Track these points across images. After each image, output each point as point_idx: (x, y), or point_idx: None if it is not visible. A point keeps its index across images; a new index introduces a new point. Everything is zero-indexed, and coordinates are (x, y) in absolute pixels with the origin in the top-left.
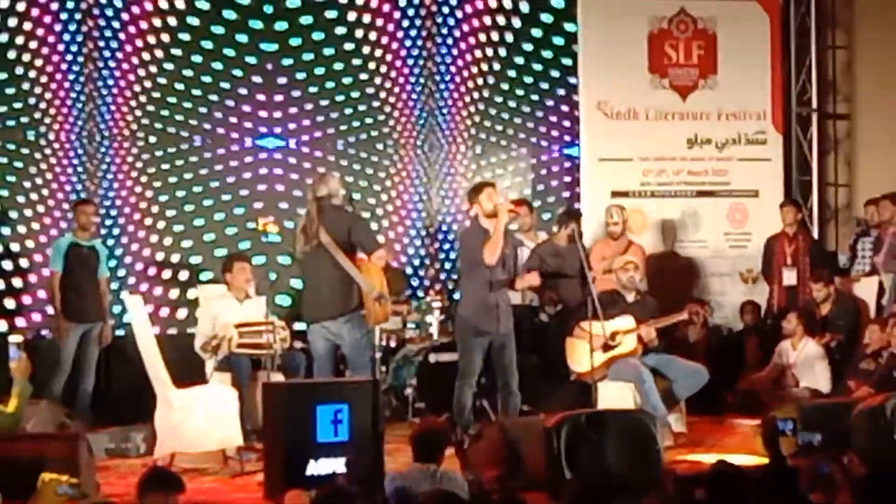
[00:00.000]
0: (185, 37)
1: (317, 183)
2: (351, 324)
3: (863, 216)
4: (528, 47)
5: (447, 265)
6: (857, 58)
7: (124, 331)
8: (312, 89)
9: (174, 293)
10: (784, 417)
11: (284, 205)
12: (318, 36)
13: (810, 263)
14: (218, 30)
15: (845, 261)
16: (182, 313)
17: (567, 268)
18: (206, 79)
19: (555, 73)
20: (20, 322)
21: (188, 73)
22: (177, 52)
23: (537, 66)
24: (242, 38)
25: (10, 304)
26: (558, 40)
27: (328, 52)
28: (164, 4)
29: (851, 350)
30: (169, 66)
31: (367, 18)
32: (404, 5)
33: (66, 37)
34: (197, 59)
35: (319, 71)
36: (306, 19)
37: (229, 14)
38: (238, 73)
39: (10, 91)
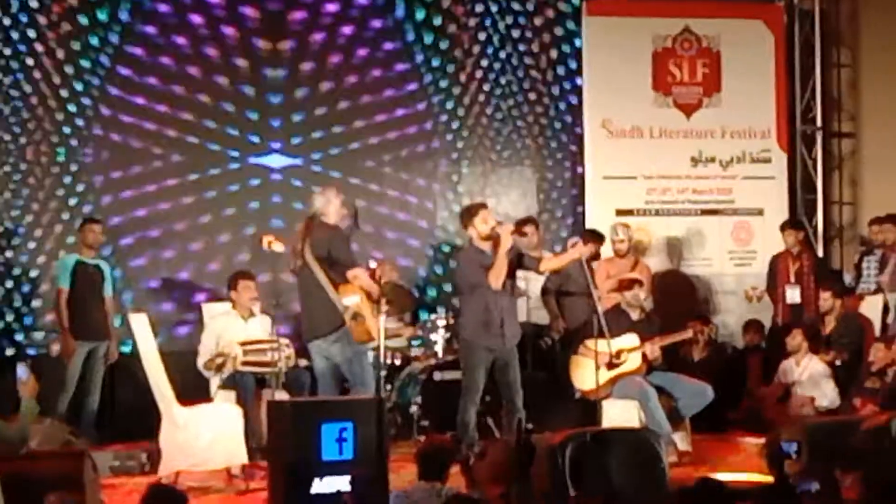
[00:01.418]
0: (186, 51)
1: (312, 199)
2: (341, 342)
3: (867, 235)
4: (532, 65)
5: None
6: (862, 76)
7: (129, 349)
8: (320, 110)
9: (178, 312)
10: (789, 439)
11: (279, 223)
12: (325, 52)
13: (815, 282)
14: (211, 52)
15: (850, 279)
16: (184, 331)
17: (571, 285)
18: (204, 98)
19: (559, 92)
20: (24, 340)
21: (187, 89)
22: (176, 68)
23: (542, 86)
24: (242, 62)
25: (13, 322)
26: (564, 59)
27: (335, 67)
28: (165, 16)
29: (856, 368)
30: (170, 82)
31: (372, 33)
32: (402, 18)
33: (61, 54)
34: (196, 74)
35: (326, 86)
36: (316, 36)
37: (228, 30)
38: (249, 91)
39: (7, 109)
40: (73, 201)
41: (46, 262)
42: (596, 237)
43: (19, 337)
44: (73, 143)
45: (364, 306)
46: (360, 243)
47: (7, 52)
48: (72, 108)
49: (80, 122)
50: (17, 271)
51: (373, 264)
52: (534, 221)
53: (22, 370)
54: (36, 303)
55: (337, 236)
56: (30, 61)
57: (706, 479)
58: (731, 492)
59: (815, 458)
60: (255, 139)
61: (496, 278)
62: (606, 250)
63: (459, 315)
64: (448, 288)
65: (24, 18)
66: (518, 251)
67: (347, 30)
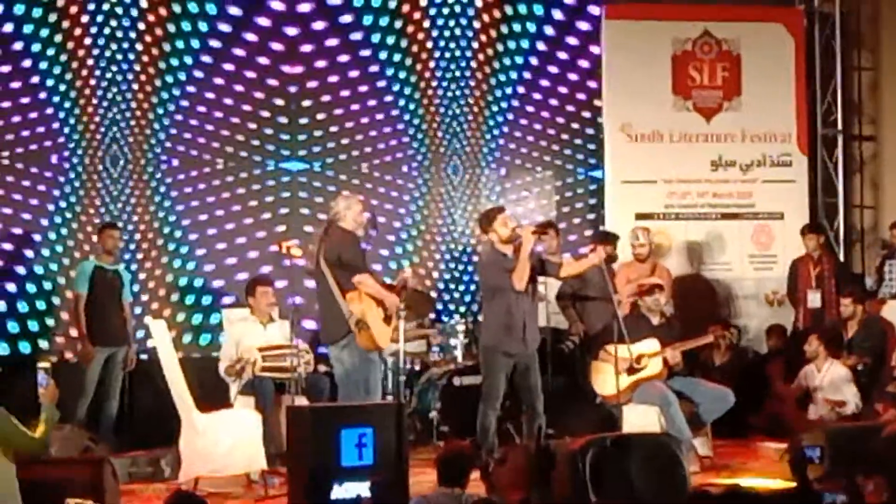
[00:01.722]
0: (206, 59)
1: (333, 203)
2: (349, 348)
3: (889, 238)
4: (553, 70)
5: (472, 287)
6: (882, 79)
7: (148, 355)
8: (337, 111)
9: (197, 317)
10: (812, 444)
11: (309, 228)
12: (343, 58)
13: (836, 286)
14: (239, 52)
15: (872, 283)
16: (205, 338)
17: (591, 290)
18: (228, 101)
19: (580, 96)
20: (44, 345)
21: (210, 95)
22: (198, 74)
23: (562, 89)
24: (264, 60)
25: (33, 326)
26: (583, 63)
27: (353, 74)
28: (186, 27)
29: (878, 373)
30: (191, 88)
31: (391, 41)
32: (428, 27)
33: (90, 62)
34: (219, 81)
35: (344, 93)
36: (331, 42)
37: (251, 36)
38: (260, 95)
39: (33, 115)
40: (93, 208)
41: (68, 268)
42: (610, 238)
43: (41, 342)
44: (93, 149)
45: (370, 313)
46: (379, 249)
47: (27, 62)
48: (98, 115)
49: (102, 129)
50: (39, 275)
51: (407, 272)
52: (553, 226)
53: (42, 376)
54: (59, 309)
55: (348, 241)
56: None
57: (736, 488)
58: (763, 500)
59: (837, 463)
60: (276, 146)
61: (520, 280)
62: (626, 254)
63: (481, 319)
64: (468, 294)
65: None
66: (539, 257)
67: (357, 35)
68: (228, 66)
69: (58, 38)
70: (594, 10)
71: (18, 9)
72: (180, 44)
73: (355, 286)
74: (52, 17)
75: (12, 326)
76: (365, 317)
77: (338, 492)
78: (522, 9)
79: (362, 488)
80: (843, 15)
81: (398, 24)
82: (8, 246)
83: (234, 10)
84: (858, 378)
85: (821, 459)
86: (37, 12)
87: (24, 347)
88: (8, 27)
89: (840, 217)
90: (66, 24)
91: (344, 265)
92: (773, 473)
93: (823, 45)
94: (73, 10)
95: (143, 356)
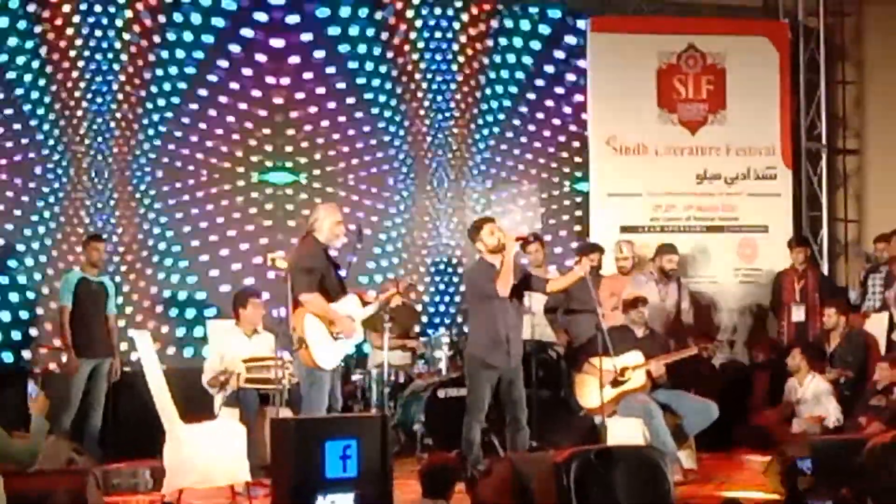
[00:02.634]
0: (190, 70)
1: (311, 213)
2: (297, 361)
3: (872, 252)
4: (539, 83)
5: (457, 299)
6: (866, 93)
7: (132, 366)
8: (323, 123)
9: (180, 329)
10: (802, 455)
11: (294, 240)
12: (329, 70)
13: (820, 299)
14: (223, 63)
15: (855, 297)
16: (188, 350)
17: (575, 303)
18: (212, 112)
19: (565, 109)
20: (27, 355)
21: (194, 106)
22: (182, 85)
23: (548, 102)
24: (248, 71)
25: (16, 336)
26: (569, 76)
27: (340, 86)
28: (171, 37)
29: (861, 386)
30: (175, 99)
31: (377, 51)
32: (415, 39)
33: (74, 73)
34: (203, 92)
35: (331, 105)
36: (318, 54)
37: (234, 47)
38: (244, 106)
39: (17, 126)
40: (77, 219)
41: (52, 278)
42: (595, 249)
43: (25, 354)
44: (77, 160)
45: (312, 332)
46: (365, 261)
47: (12, 74)
48: (82, 126)
49: (86, 140)
50: (23, 286)
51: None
52: (538, 238)
53: (32, 387)
54: (42, 320)
55: (309, 252)
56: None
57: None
58: None
59: (822, 476)
60: (260, 157)
61: (503, 286)
62: (610, 267)
63: (466, 331)
64: (453, 306)
65: (28, 28)
66: (525, 271)
67: (344, 47)
68: (213, 78)
69: (42, 50)
70: (581, 24)
71: (2, 21)
72: (165, 55)
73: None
74: (38, 29)
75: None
76: (304, 335)
77: (322, 503)
78: (509, 22)
79: (346, 500)
80: (827, 29)
81: (384, 36)
82: None
83: (219, 22)
84: (840, 391)
85: (811, 471)
86: (21, 24)
87: (7, 357)
88: None
89: (824, 230)
90: (50, 35)
91: (298, 276)
92: (757, 486)
93: (808, 59)
94: (59, 21)
95: (128, 368)
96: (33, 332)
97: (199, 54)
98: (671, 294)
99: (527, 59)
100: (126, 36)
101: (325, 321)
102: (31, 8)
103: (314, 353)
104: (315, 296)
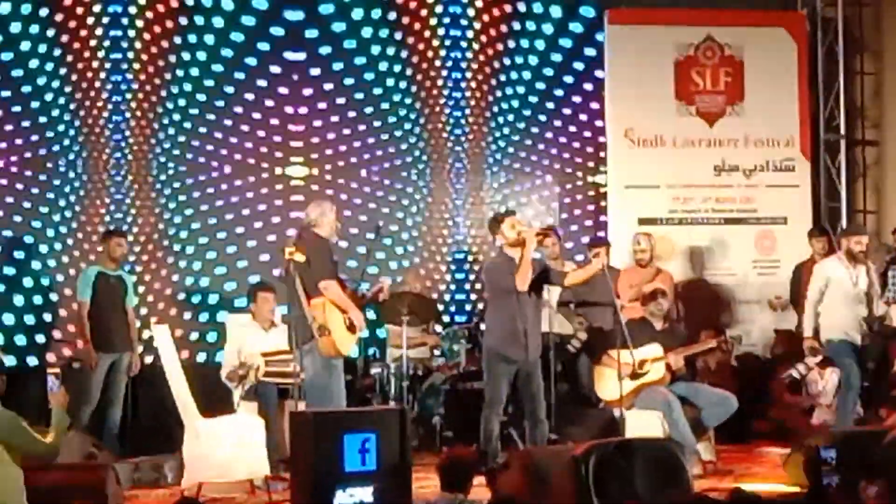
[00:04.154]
0: (217, 68)
1: (308, 208)
2: (311, 354)
3: (891, 243)
4: (552, 74)
5: (475, 292)
6: (885, 84)
7: (151, 361)
8: (337, 118)
9: (203, 322)
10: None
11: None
12: (337, 66)
13: None
14: (251, 61)
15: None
16: (208, 343)
17: (596, 296)
18: (238, 108)
19: (582, 101)
20: (50, 357)
21: (219, 103)
22: (209, 83)
23: (560, 92)
24: (276, 69)
25: (40, 338)
26: (586, 68)
27: (349, 81)
28: (192, 38)
29: (882, 378)
30: (200, 96)
31: (391, 48)
32: (428, 35)
33: (95, 64)
34: (229, 89)
35: (341, 100)
36: (325, 49)
37: (263, 45)
38: (270, 103)
39: (43, 120)
40: (98, 217)
41: (73, 275)
42: (603, 243)
43: (50, 357)
44: (96, 155)
45: (333, 319)
46: (380, 254)
47: (30, 66)
48: (101, 121)
49: (105, 134)
50: (44, 283)
51: (384, 281)
52: (555, 231)
53: (52, 381)
54: (65, 321)
55: (320, 246)
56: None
57: (739, 491)
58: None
59: (843, 467)
60: (278, 153)
61: (522, 280)
62: (628, 259)
63: (485, 323)
64: (472, 298)
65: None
66: (544, 265)
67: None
68: (240, 75)
69: (63, 38)
70: (588, 11)
71: (24, 8)
72: (186, 54)
73: (321, 292)
74: (58, 17)
75: (19, 339)
76: (327, 322)
77: (341, 497)
78: (523, 9)
79: (365, 494)
80: (845, 20)
81: (400, 28)
82: (19, 254)
83: (248, 20)
84: (862, 383)
85: (835, 460)
86: (42, 12)
87: (32, 361)
88: (16, 28)
89: (843, 222)
90: (71, 24)
91: (312, 270)
92: (776, 478)
93: (826, 50)
94: (79, 12)
95: (147, 361)
96: (57, 334)
97: (226, 52)
98: (861, 277)
99: (542, 51)
100: (146, 34)
101: (341, 309)
102: (46, 7)
103: (337, 340)
104: (333, 283)
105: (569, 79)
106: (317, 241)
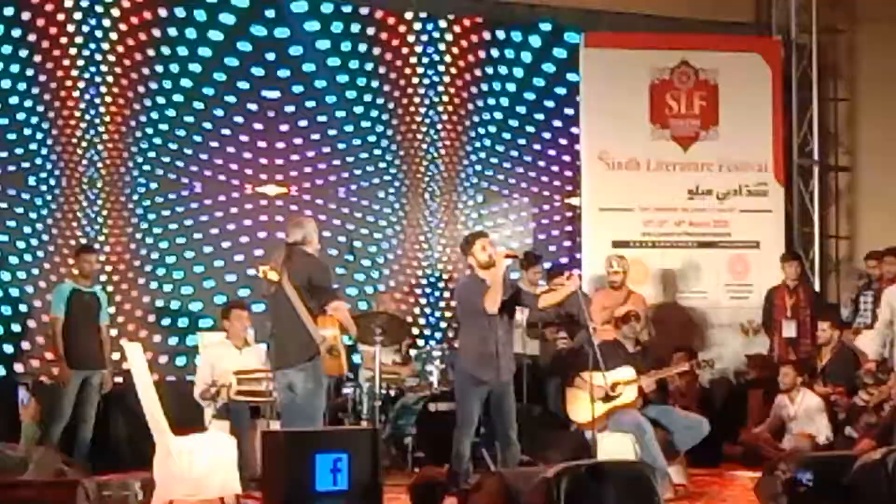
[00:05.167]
0: (186, 83)
1: (291, 227)
2: (305, 373)
3: (864, 269)
4: (530, 97)
5: (448, 313)
6: (858, 110)
7: (123, 378)
8: (314, 136)
9: (173, 340)
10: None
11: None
12: (320, 83)
13: (812, 316)
14: (219, 76)
15: (847, 314)
16: (180, 361)
17: (567, 318)
18: (207, 125)
19: (557, 123)
20: (19, 367)
21: (189, 119)
22: (178, 98)
23: (539, 116)
24: (244, 84)
25: (8, 349)
26: (560, 90)
27: (330, 99)
28: (165, 51)
29: (851, 402)
30: (170, 112)
31: (369, 66)
32: (406, 53)
33: (68, 83)
34: (198, 105)
35: (322, 118)
36: (308, 66)
37: (231, 60)
38: (239, 119)
39: (11, 136)
40: (69, 231)
41: (44, 291)
42: (562, 270)
43: (18, 367)
44: (71, 171)
45: (339, 341)
46: (357, 274)
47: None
48: (76, 137)
49: (79, 151)
50: (15, 299)
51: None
52: (537, 258)
53: (23, 394)
54: (34, 333)
55: (320, 267)
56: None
57: None
58: None
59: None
60: (249, 171)
61: (491, 302)
62: (601, 282)
63: (457, 345)
64: (444, 320)
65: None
66: (516, 287)
67: (334, 62)
68: (208, 91)
69: (36, 58)
70: (573, 37)
71: None
72: (160, 68)
73: (324, 311)
74: (31, 38)
75: None
76: (338, 343)
77: None
78: (501, 35)
79: None
80: (819, 46)
81: (376, 50)
82: None
83: (215, 35)
84: (831, 407)
85: (811, 482)
86: (15, 32)
87: (2, 369)
88: None
89: (816, 247)
90: (44, 44)
91: (315, 289)
92: (747, 502)
93: (800, 76)
94: (53, 31)
95: (119, 379)
96: (25, 345)
97: (195, 67)
98: None
99: (518, 72)
100: (121, 48)
101: (343, 330)
102: (26, 17)
103: (342, 361)
104: (343, 303)
105: (545, 101)
106: (314, 260)
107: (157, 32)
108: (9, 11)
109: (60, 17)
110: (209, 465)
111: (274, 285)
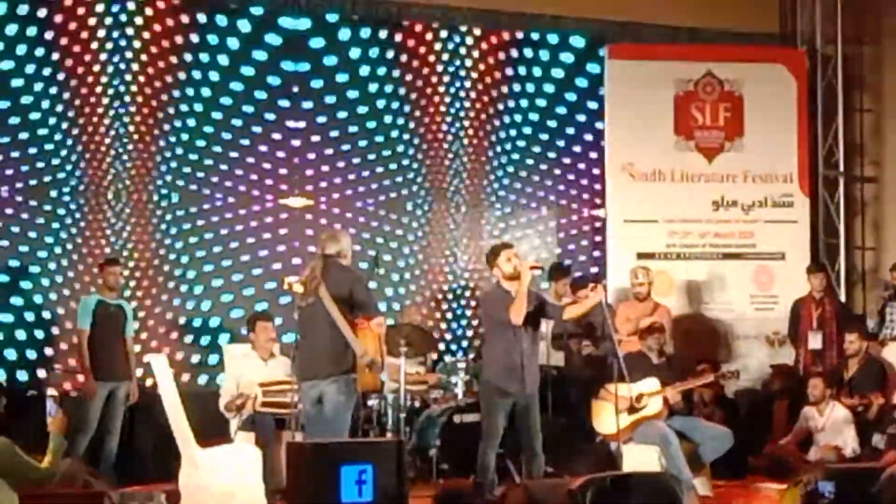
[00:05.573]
0: (205, 92)
1: (327, 240)
2: (337, 385)
3: (890, 280)
4: (558, 110)
5: (473, 324)
6: (884, 121)
7: (149, 390)
8: (344, 147)
9: (195, 354)
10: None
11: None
12: (351, 94)
13: (838, 327)
14: (237, 86)
15: (873, 325)
16: (205, 373)
17: (591, 329)
18: (227, 136)
19: (583, 136)
20: (41, 374)
21: (209, 129)
22: (198, 107)
23: (566, 129)
24: (261, 94)
25: (31, 355)
26: (590, 104)
27: (360, 109)
28: (187, 58)
29: (879, 414)
30: (191, 122)
31: (397, 75)
32: (433, 61)
33: (92, 98)
34: (217, 115)
35: (352, 129)
36: (342, 77)
37: (247, 70)
38: (258, 129)
39: (32, 150)
40: (94, 241)
41: (68, 299)
42: (587, 282)
43: (41, 373)
44: (95, 184)
45: (378, 355)
46: (387, 289)
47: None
48: (100, 151)
49: (104, 163)
50: (37, 304)
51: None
52: (566, 270)
53: (51, 405)
54: (57, 340)
55: (360, 280)
56: (45, 104)
57: None
58: None
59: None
60: (270, 182)
61: (516, 314)
62: (626, 293)
63: (482, 357)
64: (469, 331)
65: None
66: (541, 299)
67: (364, 72)
68: (227, 101)
69: (60, 76)
70: (602, 52)
71: (20, 49)
72: (182, 77)
73: (363, 325)
74: (55, 56)
75: (9, 353)
76: (378, 357)
77: None
78: (528, 52)
79: None
80: (845, 57)
81: (403, 59)
82: (4, 278)
83: (234, 44)
84: (858, 419)
85: (833, 495)
86: (39, 51)
87: (22, 376)
88: (8, 64)
89: (841, 258)
90: (68, 62)
91: (357, 304)
92: None
93: (825, 87)
94: (76, 49)
95: (145, 391)
96: (49, 351)
97: (214, 76)
98: None
99: (547, 87)
100: (143, 59)
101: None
102: (49, 36)
103: (381, 375)
104: (382, 319)
105: (573, 114)
106: (354, 275)
107: (179, 39)
108: (32, 32)
109: (84, 35)
110: (234, 477)
111: (309, 297)
